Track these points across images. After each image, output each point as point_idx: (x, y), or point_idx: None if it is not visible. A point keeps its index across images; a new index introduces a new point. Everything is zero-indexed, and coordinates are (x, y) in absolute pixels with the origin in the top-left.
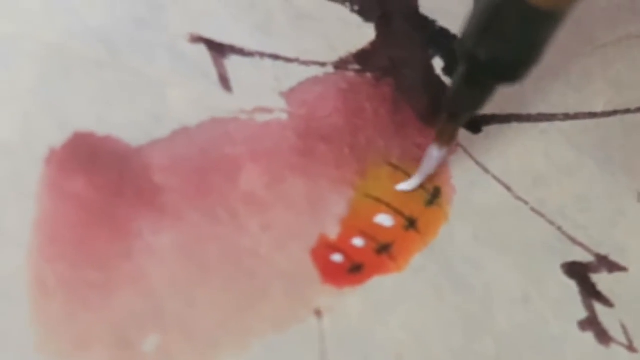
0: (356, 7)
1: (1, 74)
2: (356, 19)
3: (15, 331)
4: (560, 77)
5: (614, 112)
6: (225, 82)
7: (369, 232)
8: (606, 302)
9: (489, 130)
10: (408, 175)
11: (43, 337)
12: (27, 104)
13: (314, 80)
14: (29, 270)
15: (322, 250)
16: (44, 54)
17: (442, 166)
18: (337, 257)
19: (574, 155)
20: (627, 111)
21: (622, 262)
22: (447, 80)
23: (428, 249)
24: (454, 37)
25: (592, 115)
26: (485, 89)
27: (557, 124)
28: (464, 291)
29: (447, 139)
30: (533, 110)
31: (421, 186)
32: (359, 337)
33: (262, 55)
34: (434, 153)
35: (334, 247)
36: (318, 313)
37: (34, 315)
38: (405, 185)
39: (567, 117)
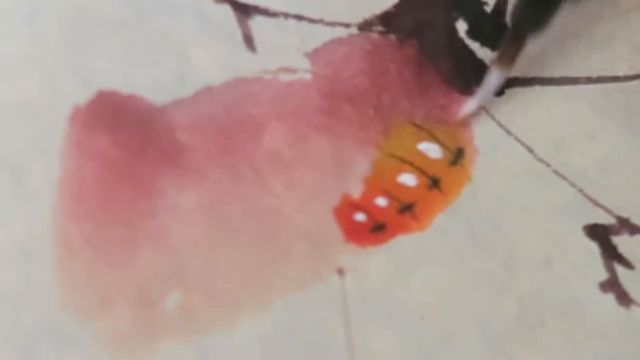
0: None
1: (26, 34)
2: None
3: (40, 289)
4: (584, 41)
5: (637, 76)
6: (249, 42)
7: (392, 191)
8: (627, 264)
9: (512, 92)
10: (432, 136)
11: (67, 294)
12: (52, 64)
13: (338, 41)
14: (53, 229)
15: (345, 210)
16: (69, 14)
17: (465, 127)
18: (360, 217)
19: (597, 119)
20: None
21: None
22: (470, 43)
23: (451, 209)
24: (478, 0)
25: (615, 79)
26: (551, 2)
27: (580, 87)
28: (486, 252)
29: (509, 60)
30: (556, 74)
31: (444, 146)
32: (382, 296)
33: (286, 15)
34: (495, 75)
35: (357, 207)
36: (340, 272)
37: (59, 273)
38: (463, 109)
39: (589, 80)
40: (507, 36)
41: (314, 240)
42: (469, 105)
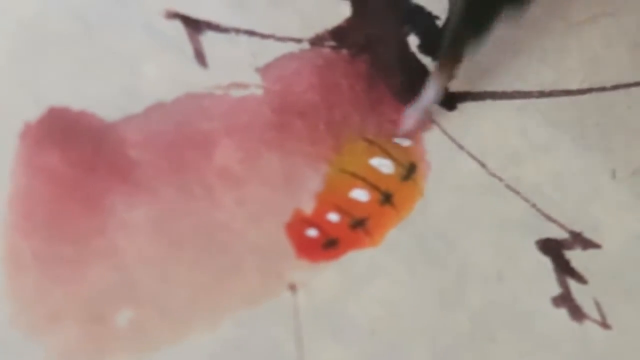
0: None
1: None
2: None
3: None
4: (536, 54)
5: (590, 90)
6: (200, 57)
7: (345, 207)
8: (580, 278)
9: (464, 107)
10: (384, 151)
11: (16, 311)
12: (2, 80)
13: (290, 56)
14: (2, 245)
15: (297, 225)
16: (18, 30)
17: (417, 142)
18: (312, 232)
19: (550, 133)
20: (603, 89)
21: (596, 239)
22: (422, 57)
23: (403, 224)
24: (429, 14)
25: (568, 92)
26: (489, 14)
27: (533, 101)
28: (438, 267)
29: (447, 71)
30: (508, 88)
31: (397, 161)
32: (334, 311)
33: (237, 31)
34: (433, 86)
35: (309, 222)
36: (292, 287)
37: (8, 289)
38: (404, 120)
39: (542, 94)
40: (445, 47)
41: (265, 255)
42: (409, 116)
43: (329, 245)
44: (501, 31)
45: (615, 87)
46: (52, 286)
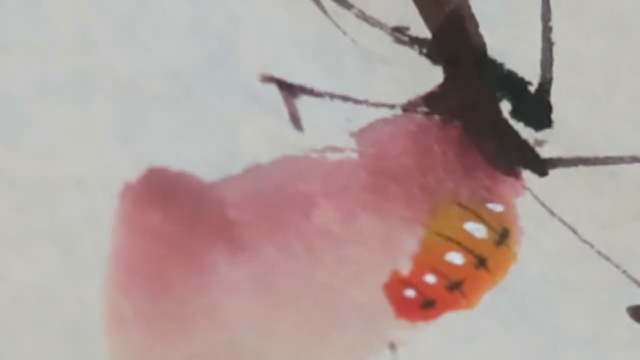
0: (424, 50)
1: (76, 109)
2: (425, 61)
3: None
4: (629, 119)
5: None
6: (296, 121)
7: (441, 269)
8: None
9: (556, 173)
10: (478, 216)
11: None
12: (102, 139)
13: (383, 121)
14: (106, 302)
15: (395, 285)
16: (119, 90)
17: (510, 208)
18: (410, 292)
19: None
20: None
21: None
22: (514, 123)
23: (498, 287)
24: (521, 80)
25: None
26: None
27: (625, 167)
28: (534, 329)
29: None
30: (600, 153)
31: (490, 226)
32: None
33: (331, 96)
34: None
35: (407, 283)
36: (392, 346)
37: (112, 347)
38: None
39: (635, 159)
40: None
41: (365, 314)
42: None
43: (427, 306)
44: (593, 95)
45: None
46: (156, 343)
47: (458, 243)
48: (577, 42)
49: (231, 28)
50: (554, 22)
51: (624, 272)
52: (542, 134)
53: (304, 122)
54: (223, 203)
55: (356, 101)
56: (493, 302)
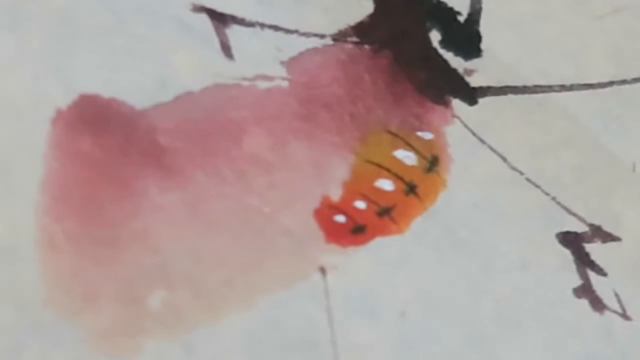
0: None
1: (10, 38)
2: None
3: (24, 287)
4: (557, 48)
5: (611, 83)
6: (227, 50)
7: (371, 195)
8: (600, 271)
9: (485, 102)
10: (407, 144)
11: (52, 292)
12: (34, 67)
13: (314, 50)
14: (37, 228)
15: (325, 211)
16: (50, 19)
17: (439, 135)
18: (340, 218)
19: (571, 127)
20: (624, 82)
21: (615, 232)
22: (444, 52)
23: (428, 214)
24: (450, 10)
25: (589, 86)
26: None
27: (554, 95)
28: (464, 255)
29: None
30: (529, 82)
31: (420, 154)
32: (363, 293)
33: (262, 25)
34: None
35: (337, 208)
36: (322, 270)
37: (43, 271)
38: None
39: (563, 88)
40: None
41: (296, 239)
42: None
43: (357, 231)
44: (522, 25)
45: (637, 80)
46: (87, 267)
47: (388, 170)
48: None
49: None
50: None
51: (553, 198)
52: (472, 64)
53: (235, 51)
54: (154, 130)
55: (287, 30)
56: (423, 228)
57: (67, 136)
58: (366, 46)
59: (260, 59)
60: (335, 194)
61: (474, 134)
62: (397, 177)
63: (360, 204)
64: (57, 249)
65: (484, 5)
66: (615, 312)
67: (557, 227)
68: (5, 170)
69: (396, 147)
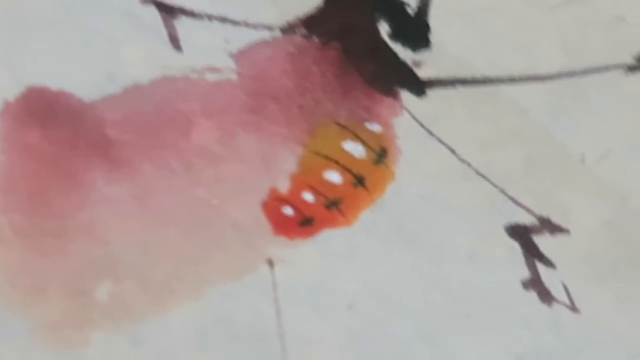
0: None
1: None
2: None
3: None
4: (508, 40)
5: (560, 75)
6: (175, 42)
7: (318, 187)
8: (548, 263)
9: (434, 94)
10: (356, 136)
11: None
12: None
13: (263, 43)
14: None
15: (273, 203)
16: (1, 12)
17: (388, 127)
18: (287, 210)
19: (520, 119)
20: (574, 74)
21: (564, 224)
22: (393, 44)
23: (376, 206)
24: (400, 1)
25: (539, 78)
26: None
27: (503, 87)
28: (412, 247)
29: None
30: (479, 74)
31: (368, 146)
32: (311, 286)
33: (210, 17)
34: None
35: (285, 201)
36: (270, 262)
37: None
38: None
39: (513, 80)
40: None
41: (243, 231)
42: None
43: (305, 224)
44: (472, 16)
45: (586, 72)
46: (34, 260)
47: (336, 162)
48: None
49: None
50: None
51: (502, 190)
52: (421, 55)
53: (183, 43)
54: (102, 122)
55: (235, 22)
56: (371, 220)
57: (15, 129)
58: (315, 38)
59: (208, 50)
60: (283, 186)
61: (422, 126)
62: (345, 169)
63: (308, 196)
64: (5, 242)
65: None
66: (563, 304)
67: (505, 219)
68: None
69: (344, 139)
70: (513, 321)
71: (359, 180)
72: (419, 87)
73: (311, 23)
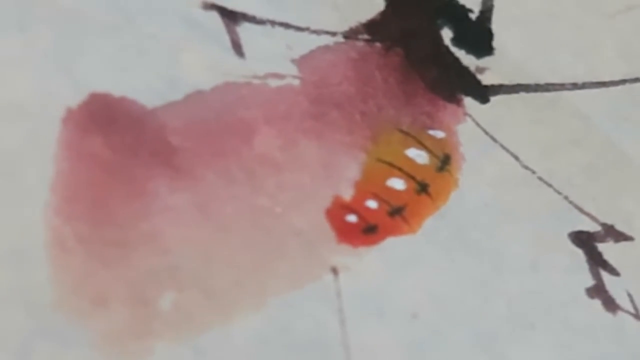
0: None
1: (19, 38)
2: None
3: (33, 289)
4: (568, 47)
5: (622, 82)
6: (237, 48)
7: (382, 195)
8: (612, 270)
9: (497, 100)
10: (419, 142)
11: (61, 294)
12: (43, 66)
13: (325, 48)
14: (47, 229)
15: (336, 211)
16: (59, 18)
17: (451, 134)
18: (351, 218)
19: (582, 125)
20: (636, 80)
21: (628, 231)
22: (455, 50)
23: (440, 213)
24: (462, 7)
25: (601, 84)
26: None
27: (565, 94)
28: (475, 255)
29: None
30: (540, 80)
31: (431, 153)
32: (375, 295)
33: (273, 23)
34: None
35: (349, 208)
36: (334, 271)
37: (52, 272)
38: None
39: (575, 86)
40: None
41: (307, 239)
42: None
43: (369, 231)
44: (533, 23)
45: None
46: (97, 269)
47: (399, 169)
48: None
49: None
50: None
51: (565, 197)
52: (483, 62)
53: (245, 49)
54: (164, 129)
55: (297, 28)
56: (435, 228)
57: (77, 136)
58: (377, 44)
59: (271, 57)
60: (347, 194)
61: (486, 132)
62: (408, 176)
63: (372, 204)
64: (67, 251)
65: (495, 3)
66: (627, 312)
67: (569, 227)
68: (15, 171)
69: (408, 146)
70: (576, 330)
71: (423, 188)
72: (482, 93)
73: (373, 28)
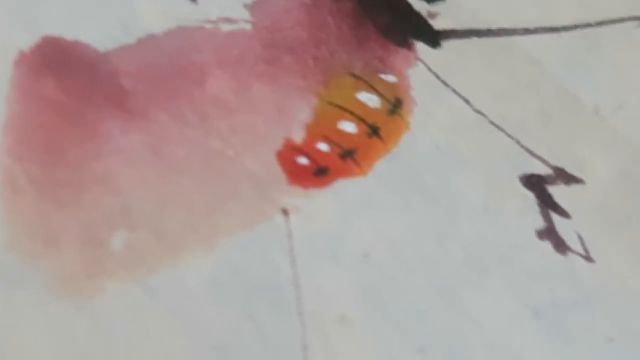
0: None
1: None
2: None
3: None
4: None
5: (575, 27)
6: None
7: (333, 137)
8: (563, 213)
9: (449, 44)
10: (370, 86)
11: (13, 235)
12: None
13: None
14: None
15: (288, 153)
16: None
17: (403, 78)
18: (302, 160)
19: (535, 71)
20: (589, 25)
21: (579, 174)
22: None
23: (391, 156)
24: None
25: (553, 30)
26: None
27: (518, 39)
28: (427, 198)
29: None
30: (493, 26)
31: (383, 97)
32: (326, 235)
33: None
34: None
35: (300, 150)
36: (285, 212)
37: (5, 214)
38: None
39: (527, 31)
40: None
41: (258, 181)
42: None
43: (320, 173)
44: None
45: (600, 24)
46: (48, 210)
47: (351, 112)
48: None
49: None
50: None
51: (517, 142)
52: (435, 7)
53: None
54: (117, 72)
55: None
56: (386, 170)
57: (30, 79)
58: None
59: (223, 1)
60: (298, 136)
61: (437, 77)
62: (359, 119)
63: (323, 146)
64: (19, 192)
65: None
66: (578, 253)
67: (520, 170)
68: None
69: (359, 90)
70: (528, 272)
71: (374, 131)
72: (434, 38)
73: None
